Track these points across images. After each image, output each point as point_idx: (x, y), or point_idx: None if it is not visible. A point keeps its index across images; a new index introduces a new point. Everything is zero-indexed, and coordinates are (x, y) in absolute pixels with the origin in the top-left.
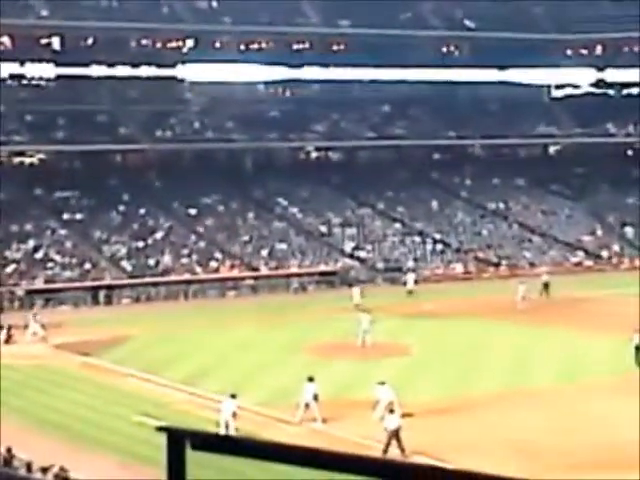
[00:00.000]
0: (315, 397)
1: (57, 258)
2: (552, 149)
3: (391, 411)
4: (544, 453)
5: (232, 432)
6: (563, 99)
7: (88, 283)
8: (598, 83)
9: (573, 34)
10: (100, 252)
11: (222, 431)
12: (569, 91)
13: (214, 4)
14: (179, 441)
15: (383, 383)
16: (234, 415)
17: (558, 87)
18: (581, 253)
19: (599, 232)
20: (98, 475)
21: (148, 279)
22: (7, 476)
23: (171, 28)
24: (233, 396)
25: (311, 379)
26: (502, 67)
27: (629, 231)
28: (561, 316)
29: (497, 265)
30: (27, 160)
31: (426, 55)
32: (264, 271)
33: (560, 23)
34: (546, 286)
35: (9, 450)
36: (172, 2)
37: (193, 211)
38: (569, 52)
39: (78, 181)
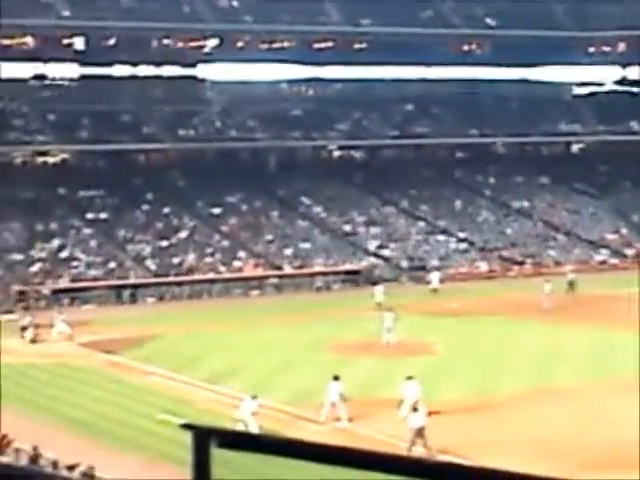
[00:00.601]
0: (341, 396)
1: (82, 257)
2: (575, 147)
3: (415, 409)
4: (570, 452)
5: (254, 430)
6: (586, 97)
7: (113, 282)
8: (621, 80)
9: (596, 31)
10: (124, 251)
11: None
12: (592, 89)
13: (235, 3)
14: (204, 439)
15: (411, 378)
16: (254, 414)
17: (581, 85)
18: (605, 251)
19: (623, 230)
20: (123, 473)
21: (172, 278)
22: (33, 473)
23: (193, 27)
24: (254, 397)
25: (336, 378)
26: (524, 65)
27: None
28: (586, 314)
29: (521, 263)
30: (51, 160)
31: (448, 53)
32: (288, 270)
33: (582, 20)
34: (572, 284)
35: (35, 448)
36: (194, 1)
37: (217, 210)
38: (592, 49)
39: (102, 180)
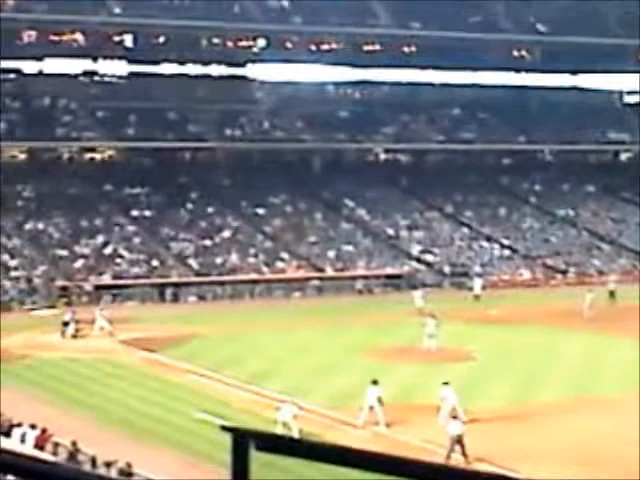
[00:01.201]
0: (379, 400)
1: (125, 254)
2: (624, 156)
3: (454, 417)
4: (609, 462)
5: (295, 434)
6: (636, 105)
7: (155, 280)
8: None
9: None
10: (168, 249)
11: (279, 432)
12: None
13: (285, 4)
14: (244, 442)
15: (447, 383)
16: (295, 417)
17: (630, 93)
18: None
19: None
20: (160, 471)
21: (214, 278)
22: (69, 470)
23: (242, 27)
24: (292, 402)
25: (375, 382)
26: (574, 72)
27: None
28: (628, 325)
29: (565, 272)
30: (98, 156)
31: (497, 58)
32: (330, 272)
33: (633, 28)
34: (612, 294)
35: (74, 444)
36: (243, 1)
37: (261, 211)
38: None
39: (147, 178)
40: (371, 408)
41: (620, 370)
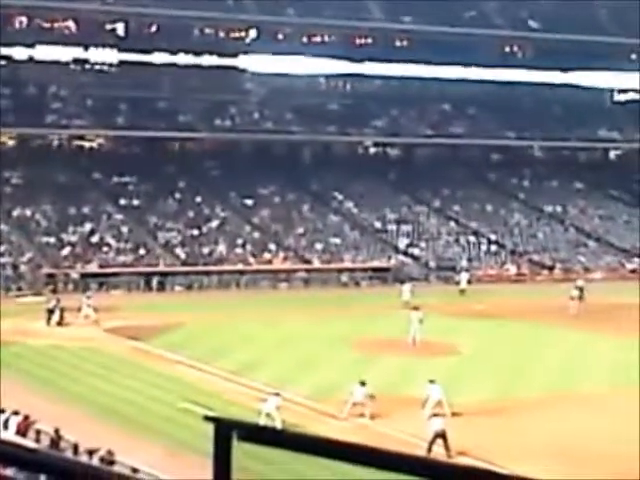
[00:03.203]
0: (371, 396)
1: (112, 243)
2: (613, 154)
3: (435, 415)
4: (591, 458)
5: (278, 424)
6: (626, 104)
7: (142, 269)
8: None
9: (638, 38)
10: (155, 238)
11: (262, 423)
12: (632, 96)
13: None
14: (227, 432)
15: (433, 381)
16: (278, 408)
17: (621, 91)
18: (637, 260)
19: None
20: (143, 459)
21: (201, 267)
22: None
23: (234, 18)
24: (277, 394)
25: (363, 383)
26: (565, 69)
27: None
28: (613, 322)
29: (551, 268)
30: (87, 144)
31: (488, 54)
32: (317, 264)
33: (625, 26)
34: (581, 290)
35: (57, 431)
36: None
37: (249, 201)
38: (634, 56)
39: (136, 167)
40: (354, 404)
41: (605, 366)
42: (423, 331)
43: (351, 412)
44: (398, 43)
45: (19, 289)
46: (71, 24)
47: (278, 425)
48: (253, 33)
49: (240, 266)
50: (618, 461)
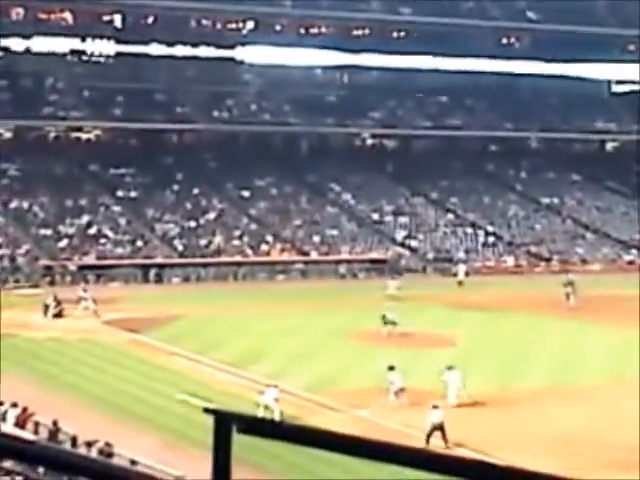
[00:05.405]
0: (402, 389)
1: (110, 234)
2: (610, 145)
3: (435, 407)
4: (587, 450)
5: (276, 416)
6: (623, 95)
7: (139, 261)
8: None
9: (635, 29)
10: (152, 230)
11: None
12: (630, 87)
13: None
14: (226, 424)
15: (451, 368)
16: (276, 400)
17: (619, 83)
18: (635, 251)
19: None
20: (141, 451)
21: (199, 259)
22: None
23: (232, 9)
24: (275, 386)
25: (392, 368)
26: (563, 60)
27: None
28: (611, 314)
29: (548, 260)
30: (84, 136)
31: (486, 45)
32: (314, 256)
33: (623, 18)
34: (571, 284)
35: (55, 423)
36: None
37: (246, 193)
38: (631, 47)
39: (133, 159)
40: (396, 393)
41: (603, 358)
42: (400, 324)
43: (403, 402)
44: (395, 34)
45: (16, 281)
46: (68, 15)
47: (277, 417)
48: (250, 24)
49: (237, 258)
50: (616, 451)
